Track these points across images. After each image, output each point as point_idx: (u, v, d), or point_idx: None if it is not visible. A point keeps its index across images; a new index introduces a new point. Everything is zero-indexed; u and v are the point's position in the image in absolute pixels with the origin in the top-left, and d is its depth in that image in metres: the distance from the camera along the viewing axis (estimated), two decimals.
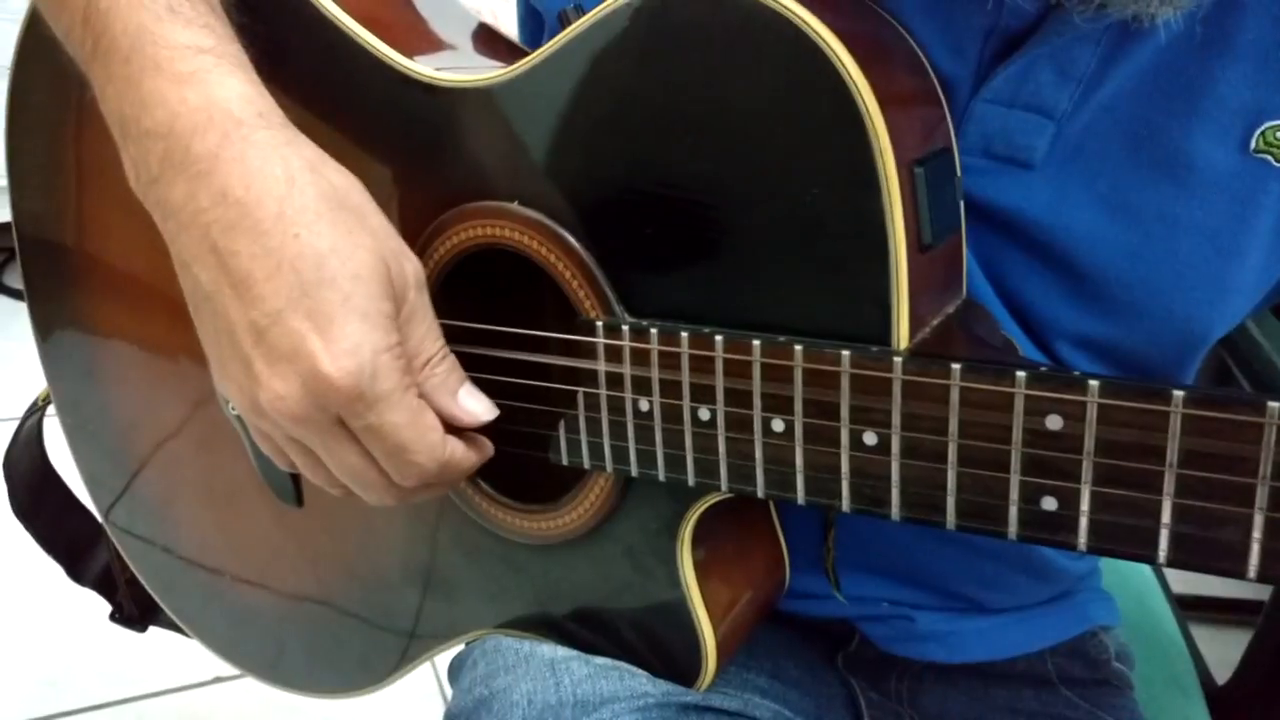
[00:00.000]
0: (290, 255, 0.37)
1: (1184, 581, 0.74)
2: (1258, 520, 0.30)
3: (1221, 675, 0.71)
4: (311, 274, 0.37)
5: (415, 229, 0.45)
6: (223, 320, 0.38)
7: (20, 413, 0.67)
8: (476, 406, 0.42)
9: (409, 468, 0.40)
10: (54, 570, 0.69)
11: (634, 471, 0.41)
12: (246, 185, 0.37)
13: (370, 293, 0.38)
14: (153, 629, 0.70)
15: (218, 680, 1.18)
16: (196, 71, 0.39)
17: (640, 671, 0.46)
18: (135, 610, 0.69)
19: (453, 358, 0.41)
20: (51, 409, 0.65)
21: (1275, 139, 0.40)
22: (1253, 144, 0.40)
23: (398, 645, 0.54)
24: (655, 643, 0.45)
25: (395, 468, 0.40)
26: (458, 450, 0.41)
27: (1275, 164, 0.40)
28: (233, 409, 0.54)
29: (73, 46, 0.43)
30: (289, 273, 0.37)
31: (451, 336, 0.42)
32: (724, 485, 0.39)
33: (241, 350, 0.38)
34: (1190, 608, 0.80)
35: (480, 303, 0.45)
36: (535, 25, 0.54)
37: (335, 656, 0.58)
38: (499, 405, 0.42)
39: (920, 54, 0.39)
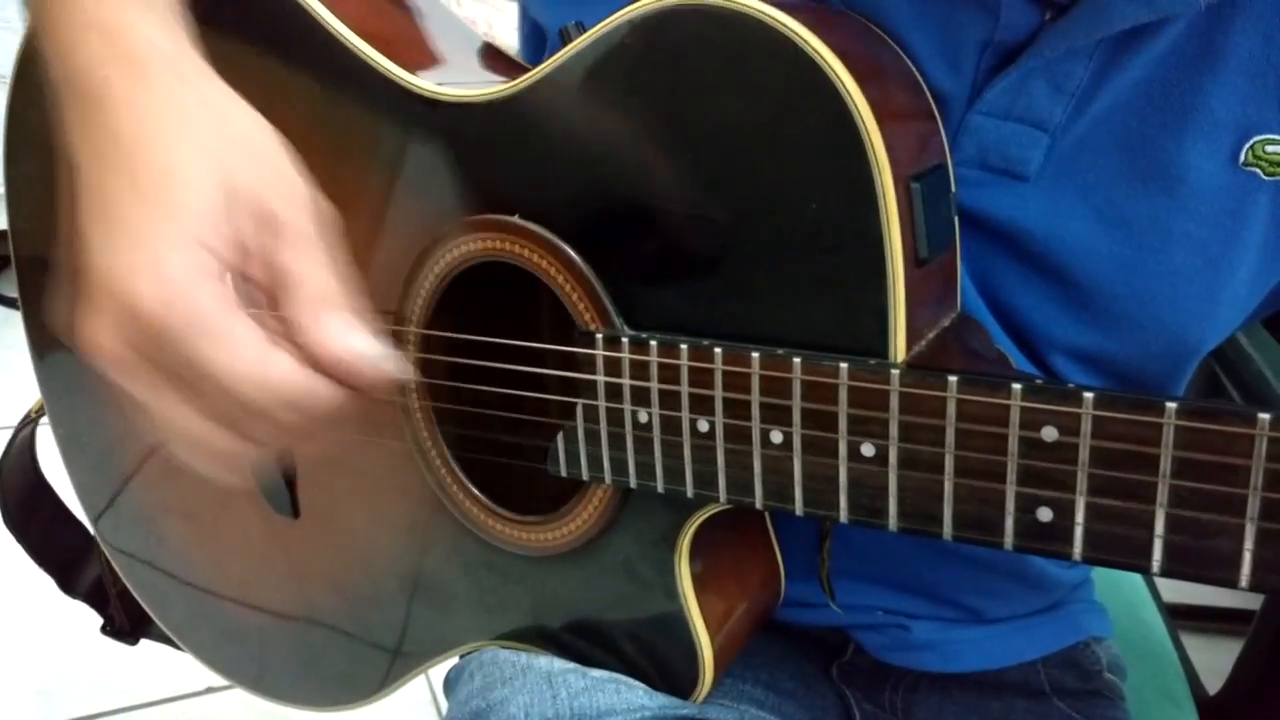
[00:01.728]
0: (142, 176, 0.33)
1: (1175, 591, 0.75)
2: (1249, 530, 0.31)
3: (1212, 685, 0.71)
4: (150, 193, 0.33)
5: (415, 242, 0.45)
6: (86, 257, 0.34)
7: (14, 422, 0.67)
8: (368, 348, 0.34)
9: (251, 419, 0.34)
10: (46, 581, 0.69)
11: (633, 483, 0.42)
12: (133, 123, 0.34)
13: (203, 209, 0.33)
14: (144, 640, 0.69)
15: (210, 690, 1.17)
16: (116, 23, 0.36)
17: (638, 684, 0.46)
18: (127, 623, 0.69)
19: (351, 300, 0.35)
20: (45, 419, 0.65)
21: (1264, 153, 0.41)
22: (1242, 157, 0.41)
23: (383, 663, 0.54)
24: (653, 654, 0.46)
25: (234, 418, 0.34)
26: (318, 391, 0.34)
27: (1264, 177, 0.41)
28: None
29: (30, 16, 0.41)
30: (134, 194, 0.33)
31: (451, 348, 0.43)
32: (722, 496, 0.40)
33: (84, 293, 0.33)
34: (1181, 617, 0.80)
35: (480, 315, 0.46)
36: (538, 42, 0.54)
37: (318, 674, 0.58)
38: (498, 418, 0.43)
39: (915, 71, 0.39)
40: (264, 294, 0.34)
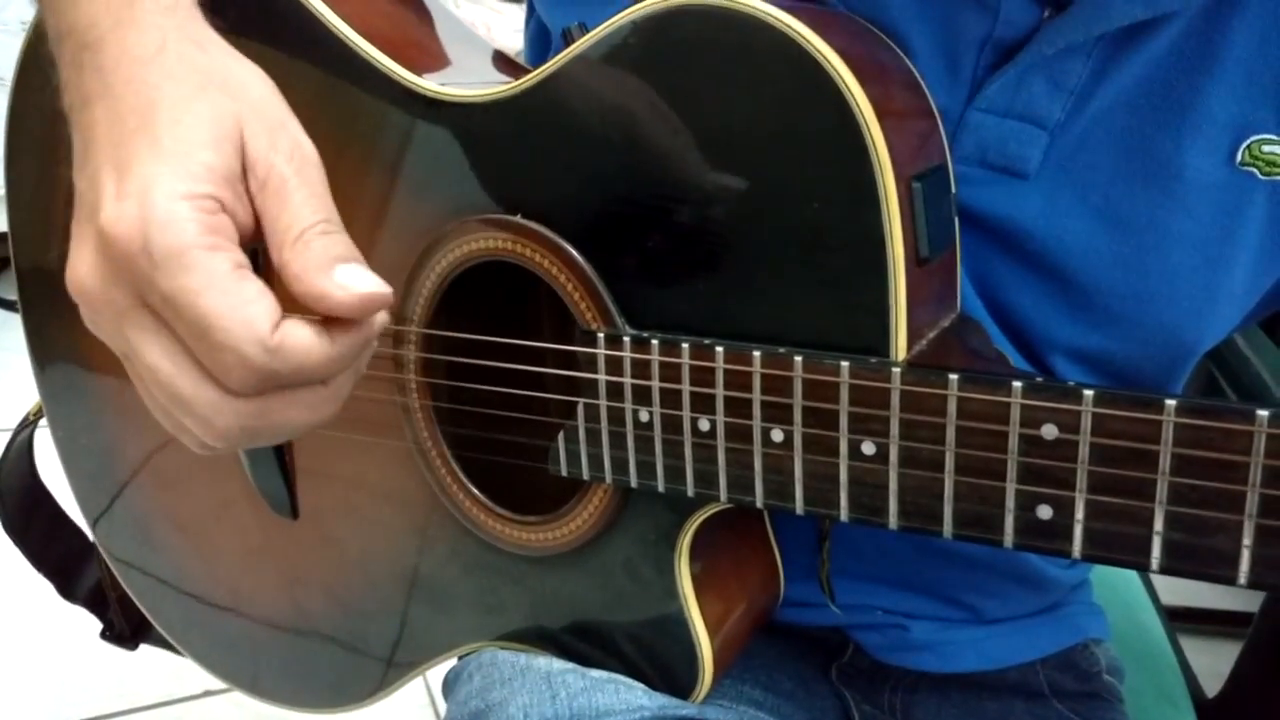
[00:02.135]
0: (125, 110, 0.32)
1: (1173, 593, 0.75)
2: (1248, 527, 0.31)
3: (1211, 687, 0.71)
4: (135, 125, 0.32)
5: (417, 241, 0.46)
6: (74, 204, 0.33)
7: (13, 425, 0.67)
8: (355, 279, 0.32)
9: (225, 355, 0.31)
10: (45, 585, 0.68)
11: (633, 482, 0.42)
12: (116, 59, 0.34)
13: (192, 141, 0.32)
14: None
15: (207, 694, 1.17)
16: None
17: (637, 684, 0.46)
18: (127, 628, 0.69)
19: (338, 235, 0.33)
20: (44, 423, 0.65)
21: (1260, 153, 0.41)
22: (1239, 157, 0.41)
23: (381, 664, 0.54)
24: (652, 655, 0.46)
25: (209, 357, 0.32)
26: (296, 334, 0.32)
27: (1260, 177, 0.41)
28: None
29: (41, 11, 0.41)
30: (116, 127, 0.32)
31: (453, 347, 0.43)
32: (723, 496, 0.40)
33: (73, 229, 0.33)
34: (1179, 619, 0.81)
35: (482, 314, 0.46)
36: (544, 42, 0.55)
37: (317, 675, 0.58)
38: (498, 417, 0.43)
39: (915, 71, 0.40)
40: (242, 233, 0.33)
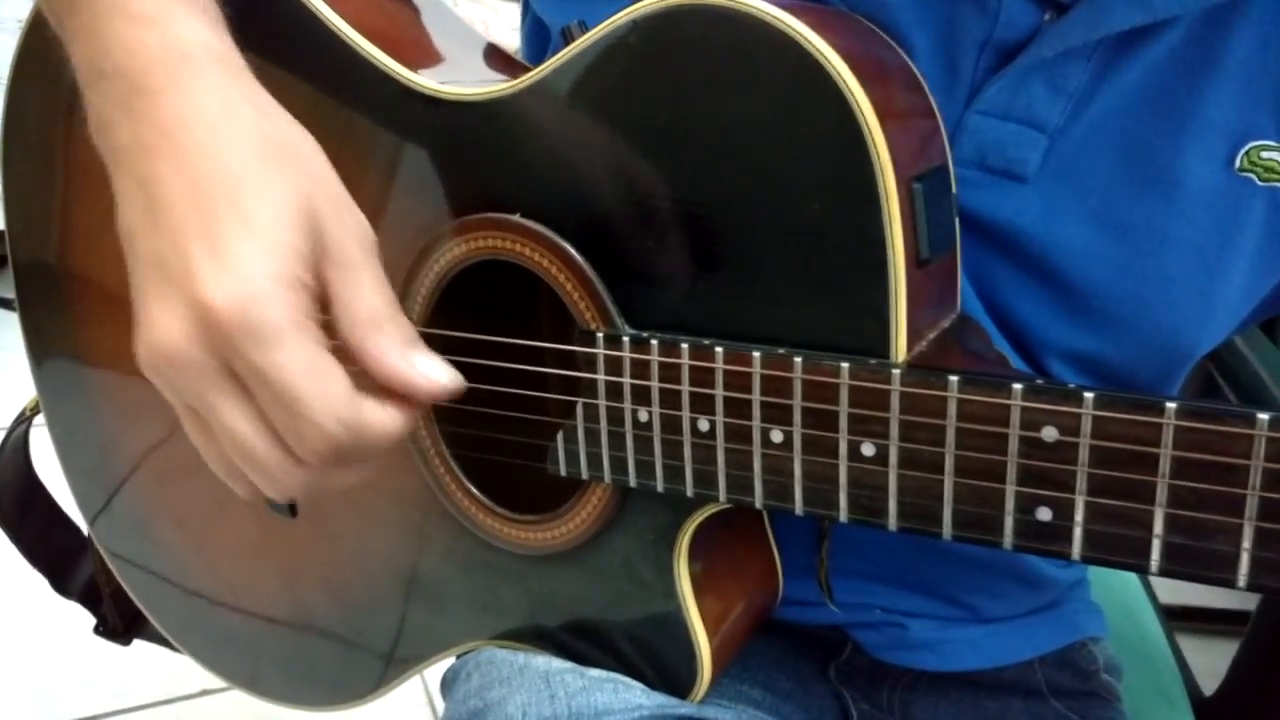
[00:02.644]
0: (204, 177, 0.34)
1: (1171, 592, 0.75)
2: (1248, 530, 0.31)
3: (1208, 686, 0.71)
4: (220, 197, 0.34)
5: (415, 240, 0.45)
6: (135, 258, 0.35)
7: (8, 423, 0.67)
8: (432, 368, 0.36)
9: (305, 428, 0.34)
10: (38, 581, 0.68)
11: (632, 482, 0.42)
12: (183, 118, 0.35)
13: (278, 220, 0.34)
14: (139, 641, 0.69)
15: (205, 693, 1.17)
16: (158, 16, 0.37)
17: (635, 684, 0.46)
18: (120, 623, 0.69)
19: (403, 319, 0.36)
20: (40, 419, 0.65)
21: (1259, 158, 0.41)
22: (1237, 163, 0.41)
23: (379, 663, 0.54)
24: (651, 654, 0.46)
25: (289, 428, 0.34)
26: (372, 411, 0.35)
27: (1259, 183, 0.41)
28: None
29: (53, 19, 0.41)
30: (199, 196, 0.34)
31: (452, 347, 0.43)
32: (722, 496, 0.40)
33: (143, 287, 0.34)
34: (1177, 618, 0.81)
35: (481, 314, 0.46)
36: (541, 40, 0.54)
37: (309, 678, 0.58)
38: (497, 416, 0.43)
39: (917, 72, 0.39)
40: (316, 310, 0.35)
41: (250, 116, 0.36)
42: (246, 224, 0.33)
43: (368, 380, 0.36)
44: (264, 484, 0.37)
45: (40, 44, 0.54)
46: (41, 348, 0.62)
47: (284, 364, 0.33)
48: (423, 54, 0.47)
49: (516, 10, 0.57)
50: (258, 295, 0.33)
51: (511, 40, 0.57)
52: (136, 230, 0.35)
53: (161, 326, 0.34)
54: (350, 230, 0.36)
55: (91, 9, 0.38)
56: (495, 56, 0.50)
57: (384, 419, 0.35)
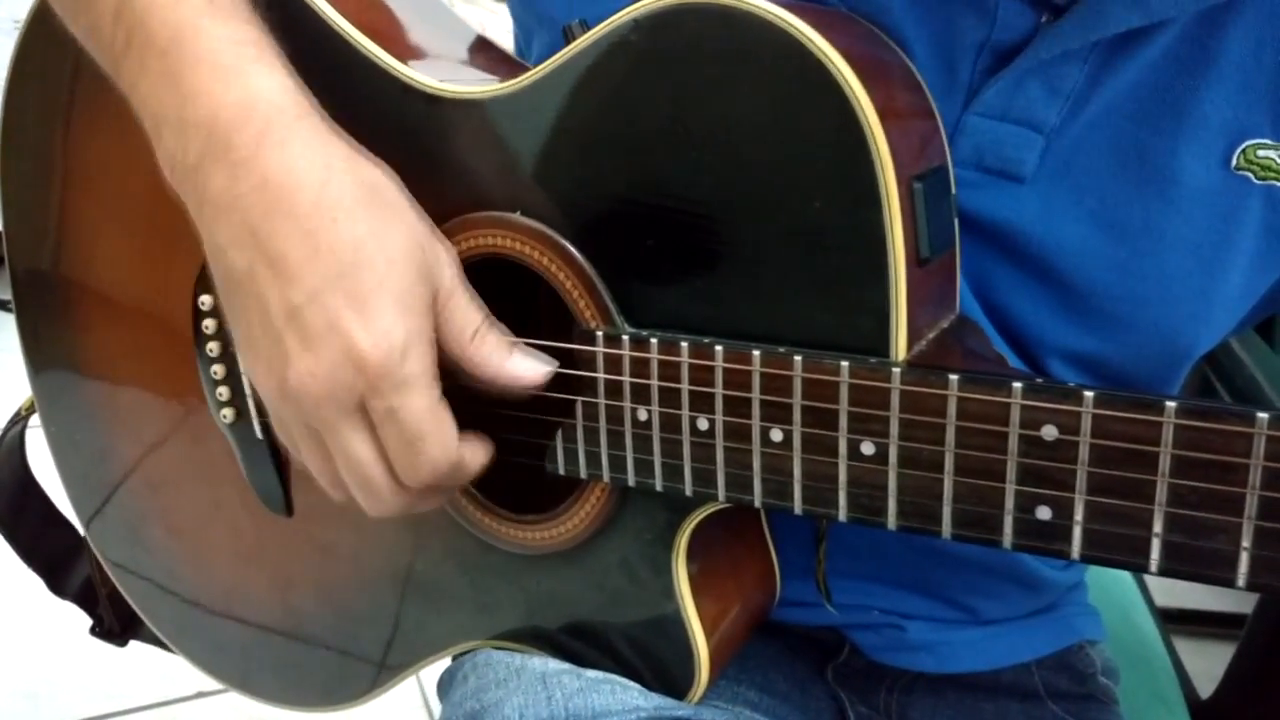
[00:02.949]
0: (328, 239, 0.38)
1: (1167, 595, 0.75)
2: (1247, 529, 0.31)
3: (1205, 688, 0.71)
4: (349, 256, 0.38)
5: None
6: (255, 300, 0.39)
7: (3, 422, 0.66)
8: (530, 365, 0.41)
9: (421, 461, 0.40)
10: (34, 582, 0.68)
11: (631, 481, 0.42)
12: (287, 172, 0.38)
13: (405, 275, 0.38)
14: (134, 643, 0.69)
15: (200, 695, 1.17)
16: (238, 64, 0.39)
17: (633, 685, 0.46)
18: (116, 624, 0.68)
19: (498, 327, 0.42)
20: (35, 419, 0.65)
21: (1256, 157, 0.41)
22: (1234, 161, 0.41)
23: (375, 663, 0.54)
24: (648, 654, 0.46)
25: (407, 460, 0.40)
26: (468, 450, 0.42)
27: (1255, 181, 0.41)
28: (225, 417, 0.54)
29: (98, 43, 0.43)
30: (326, 255, 0.38)
31: None
32: (721, 495, 0.40)
33: (274, 328, 0.39)
34: (1174, 621, 0.81)
35: None
36: (529, 37, 0.54)
37: (305, 680, 0.58)
38: (497, 414, 0.43)
39: (917, 72, 0.40)
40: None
41: (346, 170, 0.39)
42: (383, 286, 0.38)
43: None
44: (367, 501, 0.42)
45: (39, 46, 0.54)
46: (38, 351, 0.61)
47: (415, 408, 0.39)
48: (422, 52, 0.47)
49: None
50: (400, 346, 0.38)
51: (508, 41, 0.57)
52: (254, 275, 0.39)
53: (307, 366, 0.38)
54: (444, 261, 0.40)
55: (165, 54, 0.40)
56: (495, 55, 0.50)
57: (477, 456, 0.42)
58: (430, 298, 0.39)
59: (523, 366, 0.41)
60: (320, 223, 0.38)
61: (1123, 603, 0.73)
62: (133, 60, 0.41)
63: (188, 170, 0.40)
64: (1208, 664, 0.74)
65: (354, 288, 0.38)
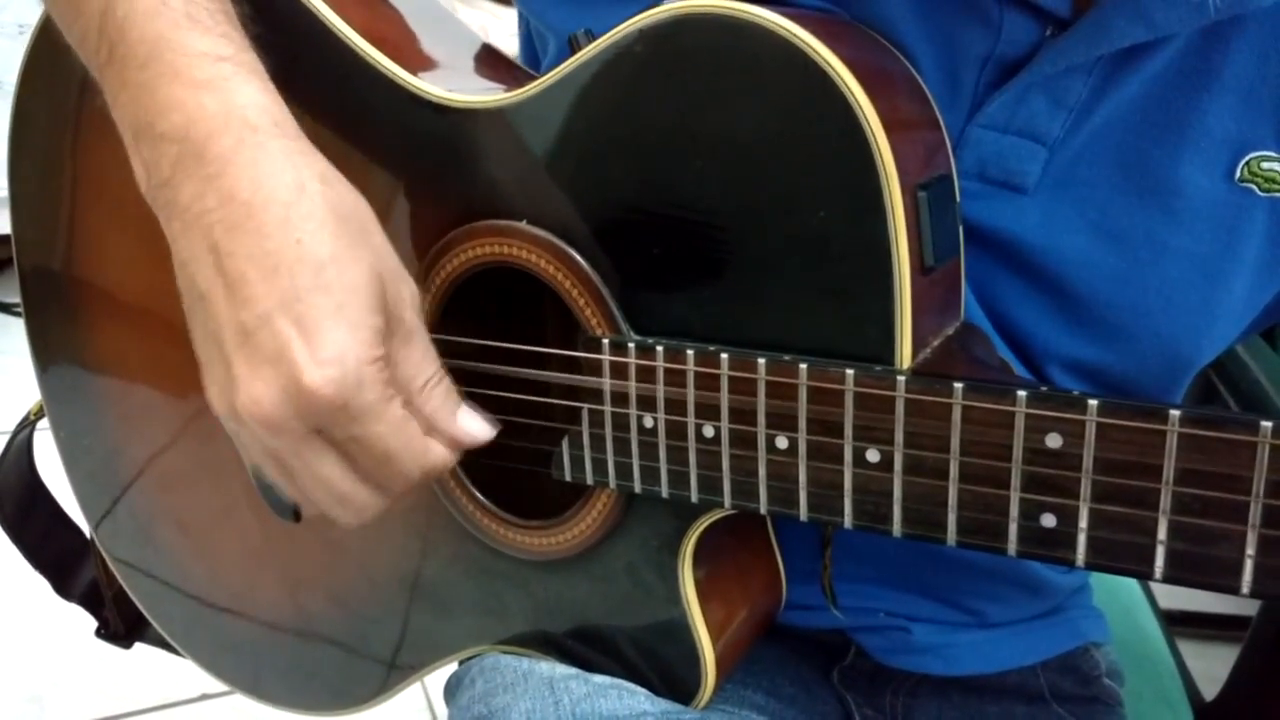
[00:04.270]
0: (289, 259, 0.37)
1: (1171, 597, 0.75)
2: (1251, 537, 0.31)
3: (1209, 691, 0.71)
4: (308, 279, 0.36)
5: (423, 246, 0.46)
6: (212, 321, 0.38)
7: (12, 427, 0.67)
8: (476, 426, 0.41)
9: (395, 477, 0.40)
10: (40, 584, 0.68)
11: (637, 488, 0.42)
12: (255, 188, 0.37)
13: (363, 304, 0.37)
14: (139, 645, 0.69)
15: (204, 697, 1.17)
16: (214, 78, 0.39)
17: (639, 690, 0.46)
18: (122, 626, 0.69)
19: (449, 380, 0.41)
20: (44, 423, 0.65)
21: (1259, 169, 0.41)
22: (1238, 173, 0.41)
23: (382, 667, 0.54)
24: (655, 660, 0.46)
25: (381, 477, 0.40)
26: (439, 454, 0.41)
27: (1259, 193, 0.42)
28: None
29: (86, 53, 0.43)
30: (285, 276, 0.36)
31: (458, 352, 0.43)
32: (727, 502, 0.40)
33: (225, 351, 0.37)
34: (1178, 624, 0.81)
35: (487, 320, 0.46)
36: (535, 46, 0.55)
37: (312, 684, 0.58)
38: (503, 421, 0.43)
39: (921, 82, 0.40)
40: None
41: (318, 191, 0.38)
42: (339, 313, 0.37)
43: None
44: (347, 513, 0.41)
45: (49, 52, 0.54)
46: (46, 353, 0.62)
47: (378, 433, 0.38)
48: (429, 61, 0.47)
49: (515, 16, 0.57)
50: (351, 380, 0.36)
51: (510, 46, 0.57)
52: (210, 295, 0.38)
53: (255, 393, 0.37)
54: (406, 300, 0.39)
55: (144, 67, 0.39)
56: (502, 64, 0.50)
57: (444, 455, 0.41)
58: (384, 327, 0.38)
59: (469, 424, 0.41)
60: (284, 242, 0.37)
61: (1127, 605, 0.73)
62: (113, 72, 0.40)
63: (161, 183, 0.39)
64: (1212, 666, 0.74)
65: (307, 312, 0.36)
